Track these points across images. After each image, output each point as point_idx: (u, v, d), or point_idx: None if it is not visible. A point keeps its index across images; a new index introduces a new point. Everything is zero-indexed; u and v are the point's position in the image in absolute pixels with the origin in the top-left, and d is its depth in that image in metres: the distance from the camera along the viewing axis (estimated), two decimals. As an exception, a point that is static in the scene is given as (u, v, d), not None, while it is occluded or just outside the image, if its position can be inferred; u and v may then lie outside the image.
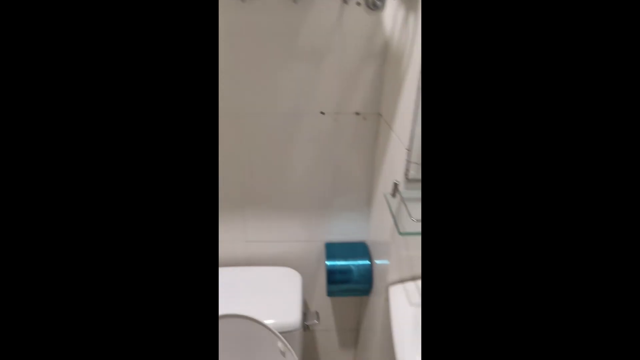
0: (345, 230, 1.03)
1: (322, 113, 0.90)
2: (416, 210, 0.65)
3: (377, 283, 0.92)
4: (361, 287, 0.96)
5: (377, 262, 0.92)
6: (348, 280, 0.95)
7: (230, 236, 1.04)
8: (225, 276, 1.02)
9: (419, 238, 0.74)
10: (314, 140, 0.93)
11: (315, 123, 0.91)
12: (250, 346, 0.90)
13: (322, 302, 1.13)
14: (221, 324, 0.88)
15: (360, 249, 1.00)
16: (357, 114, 0.90)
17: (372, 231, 0.99)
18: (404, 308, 0.76)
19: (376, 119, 0.91)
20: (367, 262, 0.96)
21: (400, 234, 0.67)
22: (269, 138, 0.93)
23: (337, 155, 0.95)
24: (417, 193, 0.71)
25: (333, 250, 1.00)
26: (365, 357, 1.07)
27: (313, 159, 0.95)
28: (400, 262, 0.81)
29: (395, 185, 0.73)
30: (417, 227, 0.64)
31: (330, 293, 0.98)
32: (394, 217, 0.71)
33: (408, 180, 0.72)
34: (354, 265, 0.96)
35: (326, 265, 0.96)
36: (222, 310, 0.87)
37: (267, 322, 0.86)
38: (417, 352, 0.68)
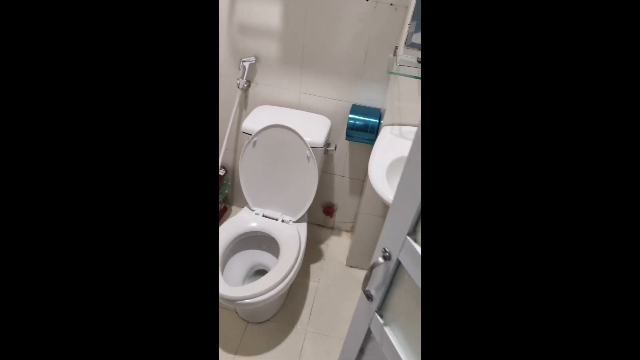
0: (368, 97, 1.44)
1: (366, 0, 1.21)
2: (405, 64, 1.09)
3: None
4: (369, 137, 1.41)
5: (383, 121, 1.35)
6: (361, 130, 1.41)
7: (290, 87, 1.47)
8: (282, 112, 1.46)
9: (408, 86, 1.18)
10: (357, 21, 1.26)
11: (359, 8, 1.24)
12: (287, 150, 1.37)
13: (342, 148, 1.59)
14: (272, 131, 1.34)
15: (374, 112, 1.42)
16: (391, 4, 1.23)
17: (387, 100, 1.37)
18: (387, 139, 1.25)
19: (404, 10, 1.24)
20: (377, 120, 1.39)
21: (388, 72, 1.10)
22: (319, 17, 1.26)
23: (373, 36, 1.29)
24: (412, 57, 1.12)
25: (356, 109, 1.42)
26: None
27: (354, 36, 1.29)
28: (392, 111, 1.28)
29: (396, 48, 1.13)
30: (402, 69, 1.10)
31: (347, 137, 1.44)
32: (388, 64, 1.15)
33: (406, 45, 1.11)
34: (368, 120, 1.40)
35: (349, 117, 1.40)
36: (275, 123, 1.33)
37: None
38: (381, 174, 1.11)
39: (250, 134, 1.37)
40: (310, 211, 1.82)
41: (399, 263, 0.57)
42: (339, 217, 1.83)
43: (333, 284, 1.66)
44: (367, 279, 0.63)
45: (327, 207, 1.79)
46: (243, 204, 1.77)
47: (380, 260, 0.60)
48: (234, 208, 1.91)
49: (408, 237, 0.54)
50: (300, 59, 1.39)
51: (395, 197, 0.56)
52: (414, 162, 0.49)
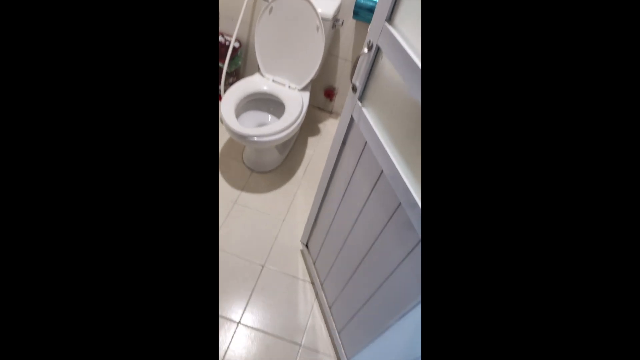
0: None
1: None
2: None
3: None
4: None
5: None
6: (368, 10, 1.57)
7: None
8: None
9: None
10: None
11: None
12: (299, 19, 1.56)
13: (349, 30, 1.76)
14: (286, 1, 1.49)
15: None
16: None
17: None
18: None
19: None
20: None
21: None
22: None
23: None
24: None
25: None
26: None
27: None
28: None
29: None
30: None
31: (355, 15, 1.61)
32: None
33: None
34: (375, 1, 1.56)
35: (355, -6, 1.56)
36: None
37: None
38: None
39: (267, 1, 1.53)
40: (312, 94, 2.03)
41: (378, 49, 0.79)
42: (338, 102, 2.04)
43: (326, 154, 1.93)
44: (353, 68, 0.85)
45: (328, 90, 2.01)
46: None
47: (365, 50, 0.82)
48: (244, 85, 2.12)
49: (386, 23, 0.75)
50: None
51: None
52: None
